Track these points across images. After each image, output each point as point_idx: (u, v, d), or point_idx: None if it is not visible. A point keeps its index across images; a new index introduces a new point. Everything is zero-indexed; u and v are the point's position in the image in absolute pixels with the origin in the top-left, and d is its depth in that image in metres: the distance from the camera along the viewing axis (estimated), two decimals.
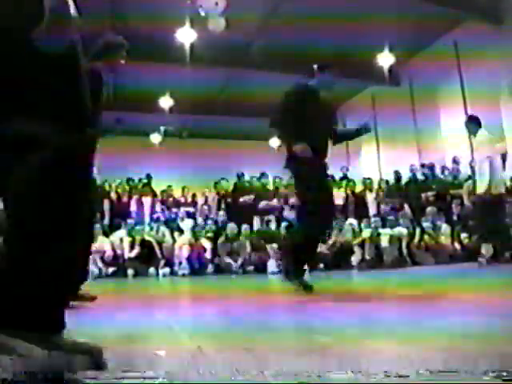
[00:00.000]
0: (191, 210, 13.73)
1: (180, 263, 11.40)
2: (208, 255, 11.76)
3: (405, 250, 11.60)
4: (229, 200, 13.47)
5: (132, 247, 11.65)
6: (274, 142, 22.72)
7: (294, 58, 15.25)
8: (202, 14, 11.49)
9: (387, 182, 14.57)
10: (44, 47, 1.59)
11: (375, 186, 14.43)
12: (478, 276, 6.81)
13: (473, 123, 8.76)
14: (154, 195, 14.19)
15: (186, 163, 19.26)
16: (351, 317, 3.13)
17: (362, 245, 11.55)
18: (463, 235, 11.98)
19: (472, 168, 11.64)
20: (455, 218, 12.68)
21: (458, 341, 2.00)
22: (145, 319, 3.49)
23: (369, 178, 14.57)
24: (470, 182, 11.02)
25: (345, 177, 14.88)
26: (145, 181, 14.52)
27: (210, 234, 12.24)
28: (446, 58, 15.57)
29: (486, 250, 8.76)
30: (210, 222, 12.79)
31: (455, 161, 13.69)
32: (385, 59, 16.07)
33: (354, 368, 1.55)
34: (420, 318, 2.87)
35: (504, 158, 11.41)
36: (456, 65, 15.52)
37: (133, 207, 13.41)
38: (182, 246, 11.66)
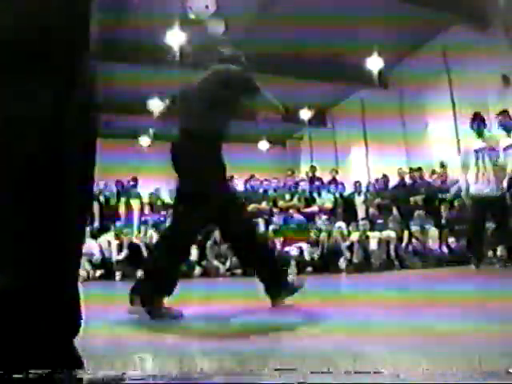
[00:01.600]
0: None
1: None
2: (195, 258, 11.71)
3: (393, 254, 11.63)
4: None
5: (120, 250, 11.62)
6: (263, 144, 22.79)
7: (283, 61, 15.32)
8: (192, 16, 11.47)
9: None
10: None
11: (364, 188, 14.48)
12: None
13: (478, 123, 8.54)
14: (140, 198, 14.11)
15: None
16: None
17: (350, 248, 11.57)
18: (451, 239, 12.06)
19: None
20: (443, 221, 12.76)
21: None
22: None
23: (358, 181, 14.61)
24: (456, 186, 10.97)
25: (334, 180, 14.90)
26: (132, 183, 14.45)
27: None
28: (435, 61, 15.67)
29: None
30: None
31: (442, 165, 13.77)
32: (374, 63, 16.13)
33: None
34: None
35: None
36: (444, 68, 15.62)
37: (121, 210, 13.37)
38: None
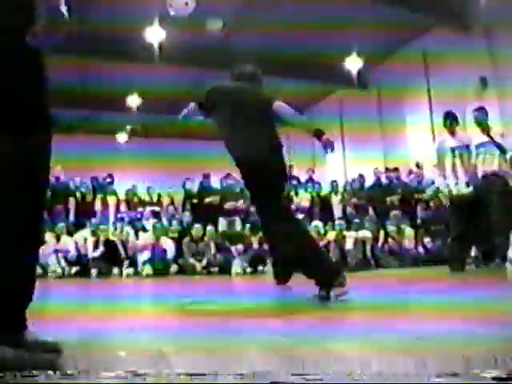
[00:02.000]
0: (157, 209, 13.63)
1: (144, 263, 11.29)
2: (171, 255, 11.67)
3: (369, 253, 11.70)
4: (195, 201, 13.39)
5: (96, 247, 11.54)
6: None
7: (263, 59, 15.33)
8: (172, 13, 11.44)
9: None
10: (41, 45, 1.62)
11: (341, 188, 14.51)
12: None
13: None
14: (116, 196, 13.99)
15: (152, 163, 19.11)
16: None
17: (326, 247, 11.61)
18: (427, 239, 12.17)
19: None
20: (419, 221, 12.87)
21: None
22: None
23: (335, 181, 14.65)
24: (433, 186, 10.98)
25: (310, 179, 14.90)
26: (109, 180, 14.32)
27: (174, 235, 12.17)
28: (414, 63, 15.79)
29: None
30: (174, 222, 12.72)
31: (418, 166, 13.86)
32: (353, 63, 16.21)
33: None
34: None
35: None
36: (423, 70, 15.75)
37: (97, 206, 13.28)
38: (145, 247, 11.58)
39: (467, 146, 8.04)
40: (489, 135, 7.88)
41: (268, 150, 4.47)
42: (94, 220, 12.24)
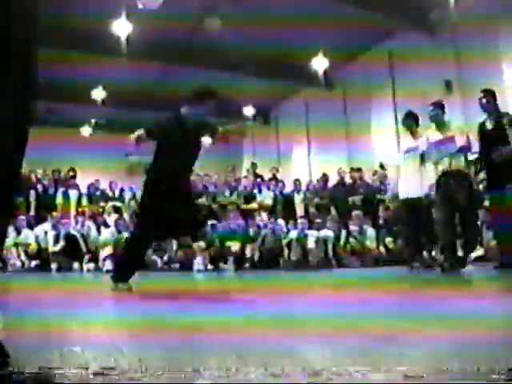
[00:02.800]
0: (118, 204, 13.49)
1: (105, 259, 11.17)
2: None
3: (331, 252, 11.73)
4: None
5: (57, 241, 11.39)
6: (206, 139, 22.66)
7: (231, 58, 15.33)
8: (140, 6, 11.34)
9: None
10: None
11: (304, 187, 14.50)
12: None
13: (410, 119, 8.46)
14: (78, 189, 13.78)
15: (115, 157, 18.90)
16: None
17: (288, 245, 11.63)
18: (388, 239, 12.26)
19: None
20: (381, 221, 12.96)
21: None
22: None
23: (298, 179, 14.64)
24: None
25: (274, 177, 14.88)
26: (71, 174, 14.13)
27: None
28: (380, 65, 15.93)
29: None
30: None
31: (382, 166, 13.96)
32: (319, 63, 16.25)
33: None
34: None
35: None
36: (389, 72, 15.90)
37: (59, 200, 13.09)
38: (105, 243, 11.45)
39: (423, 148, 7.88)
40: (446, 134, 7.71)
41: None
42: (55, 213, 12.08)
